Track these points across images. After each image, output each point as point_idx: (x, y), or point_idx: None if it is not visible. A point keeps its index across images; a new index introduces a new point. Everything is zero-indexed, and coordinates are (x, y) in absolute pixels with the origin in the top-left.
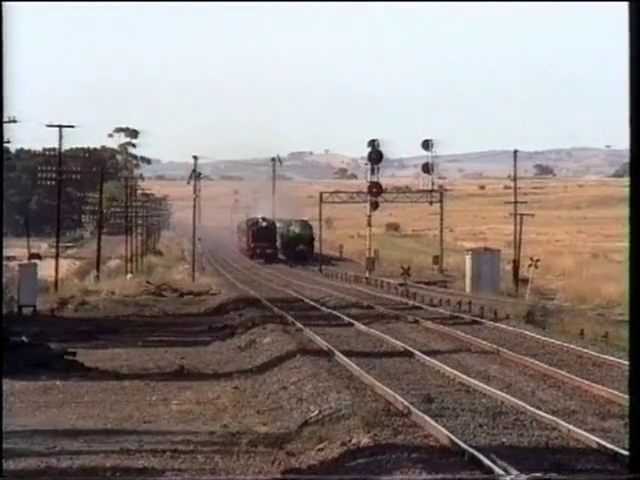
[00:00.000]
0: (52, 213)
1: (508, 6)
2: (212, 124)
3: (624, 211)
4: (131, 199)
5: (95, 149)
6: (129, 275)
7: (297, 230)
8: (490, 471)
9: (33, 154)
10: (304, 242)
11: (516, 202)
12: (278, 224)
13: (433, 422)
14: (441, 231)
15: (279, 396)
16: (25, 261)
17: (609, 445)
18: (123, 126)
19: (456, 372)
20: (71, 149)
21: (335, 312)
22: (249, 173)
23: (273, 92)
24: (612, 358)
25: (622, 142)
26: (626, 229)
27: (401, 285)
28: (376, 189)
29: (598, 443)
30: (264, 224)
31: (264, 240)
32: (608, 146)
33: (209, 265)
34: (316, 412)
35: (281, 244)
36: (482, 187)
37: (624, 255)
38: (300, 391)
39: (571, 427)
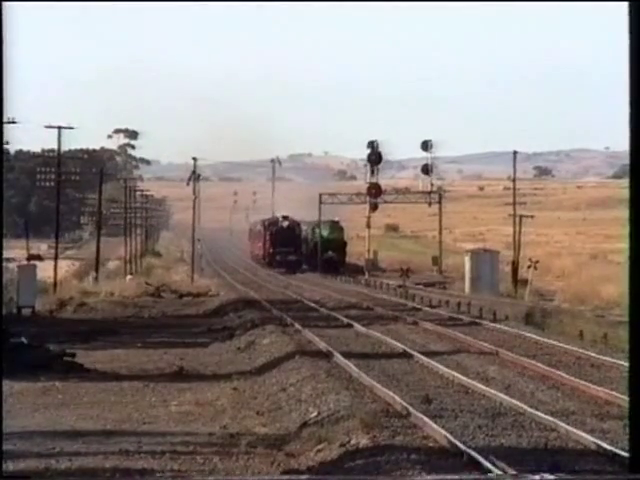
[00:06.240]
0: (51, 214)
1: (508, 6)
2: (212, 125)
3: (623, 212)
4: (130, 200)
5: (94, 150)
6: (129, 276)
7: (325, 233)
8: (489, 472)
9: (32, 155)
10: (334, 248)
11: (515, 203)
12: (303, 226)
13: (432, 423)
14: (440, 232)
15: (278, 397)
16: (24, 262)
17: (608, 446)
18: (122, 127)
19: (455, 373)
20: (70, 150)
21: (334, 313)
22: (248, 174)
23: (273, 92)
24: (611, 359)
25: (621, 144)
26: (625, 230)
27: (400, 286)
28: (376, 190)
29: (597, 444)
30: (286, 224)
31: (286, 244)
32: (607, 148)
33: (208, 266)
34: (315, 413)
35: (305, 250)
36: (481, 188)
37: (623, 256)
38: (299, 392)
39: (570, 428)
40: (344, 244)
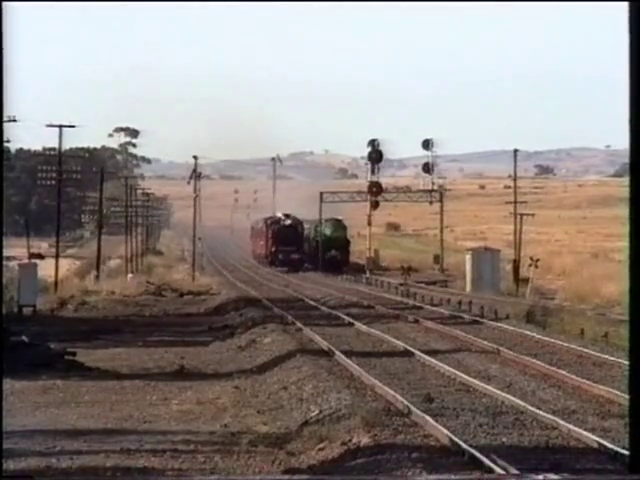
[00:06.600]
0: (52, 213)
1: (508, 6)
2: (212, 123)
3: (624, 211)
4: (131, 199)
5: (95, 149)
6: (130, 275)
7: (328, 232)
8: (490, 471)
9: (33, 154)
10: (337, 247)
11: (516, 202)
12: (305, 224)
13: (433, 422)
14: (441, 231)
15: (279, 396)
16: (25, 261)
17: (609, 445)
18: (123, 126)
19: (456, 372)
20: (71, 149)
21: (335, 312)
22: (249, 173)
23: (273, 92)
24: (612, 358)
25: (622, 142)
26: (626, 228)
27: (401, 285)
28: (376, 189)
29: (598, 443)
30: (288, 222)
31: (288, 242)
32: (608, 146)
33: (209, 265)
34: (316, 412)
35: (307, 249)
36: (482, 187)
37: (624, 255)
38: (300, 391)
39: (571, 427)
40: (347, 243)
